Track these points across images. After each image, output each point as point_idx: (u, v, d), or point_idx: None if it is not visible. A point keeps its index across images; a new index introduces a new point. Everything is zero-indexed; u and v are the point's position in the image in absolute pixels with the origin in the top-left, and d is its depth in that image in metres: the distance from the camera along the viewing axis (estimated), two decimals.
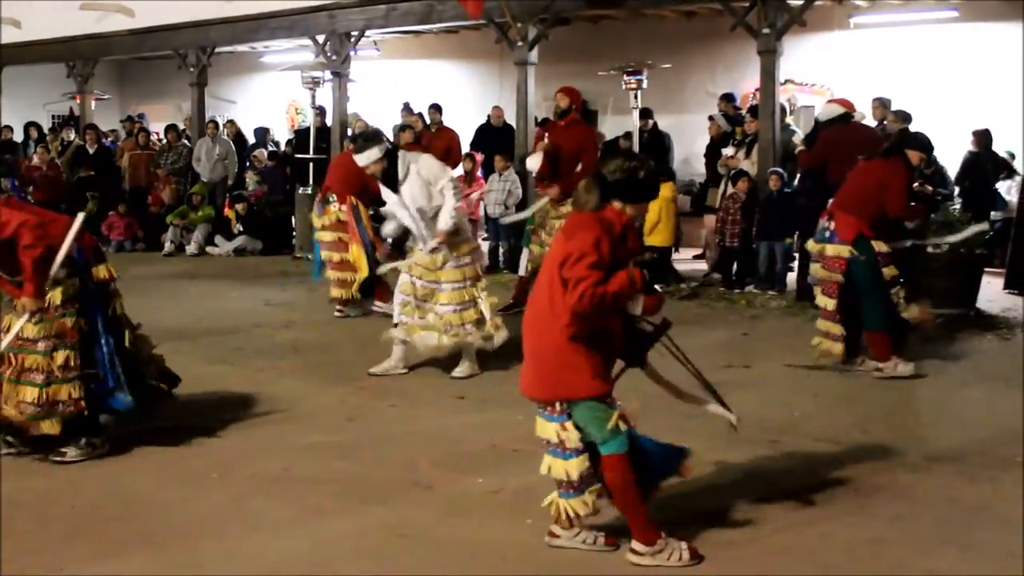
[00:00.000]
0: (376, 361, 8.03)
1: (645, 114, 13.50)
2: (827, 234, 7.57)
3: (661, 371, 4.62)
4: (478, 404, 6.99)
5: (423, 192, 7.56)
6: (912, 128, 10.68)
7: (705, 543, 4.46)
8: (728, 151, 12.47)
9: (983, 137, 11.90)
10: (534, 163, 10.06)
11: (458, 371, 7.77)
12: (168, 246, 15.47)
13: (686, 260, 12.99)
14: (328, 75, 15.07)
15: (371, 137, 7.76)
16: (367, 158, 7.53)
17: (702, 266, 12.61)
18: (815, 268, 7.78)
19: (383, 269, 8.33)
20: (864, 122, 10.24)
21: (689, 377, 4.65)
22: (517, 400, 6.98)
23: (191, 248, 15.30)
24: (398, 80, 17.77)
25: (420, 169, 7.58)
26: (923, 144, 7.93)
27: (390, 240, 8.98)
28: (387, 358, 7.86)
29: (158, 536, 4.71)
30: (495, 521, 4.89)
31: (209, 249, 15.33)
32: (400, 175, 7.56)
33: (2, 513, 4.88)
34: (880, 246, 7.39)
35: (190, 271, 13.62)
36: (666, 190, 10.84)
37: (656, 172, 4.48)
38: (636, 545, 4.36)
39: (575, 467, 4.37)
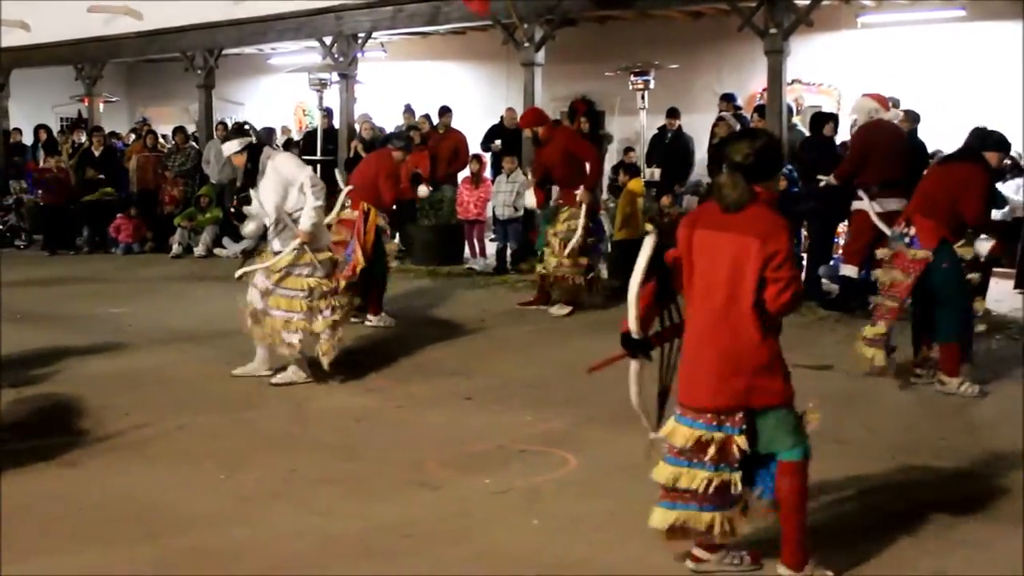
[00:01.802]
0: (385, 364, 8.05)
1: (671, 114, 13.51)
2: (906, 240, 7.16)
3: None
4: (485, 405, 6.99)
5: (279, 190, 7.47)
6: (920, 128, 10.66)
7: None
8: None
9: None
10: (531, 200, 10.36)
11: (277, 378, 7.57)
12: (176, 248, 15.48)
13: None
14: (335, 77, 15.08)
15: (236, 130, 7.84)
16: (227, 149, 7.73)
17: None
18: (878, 273, 7.42)
19: (239, 272, 7.94)
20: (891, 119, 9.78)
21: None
22: (523, 401, 7.05)
23: (199, 250, 15.30)
24: (405, 81, 17.77)
25: (277, 166, 7.52)
26: (999, 143, 7.43)
27: (251, 241, 8.94)
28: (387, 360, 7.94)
29: (164, 537, 4.71)
30: (502, 522, 4.88)
31: (217, 251, 15.33)
32: (259, 172, 7.54)
33: (2, 515, 4.88)
34: (963, 252, 7.05)
35: (198, 273, 13.63)
36: (635, 184, 10.92)
37: (775, 139, 4.31)
38: (783, 569, 4.13)
39: (718, 479, 4.09)
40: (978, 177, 7.07)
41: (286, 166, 7.56)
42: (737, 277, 3.97)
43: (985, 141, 7.35)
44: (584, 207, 9.86)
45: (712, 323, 4.04)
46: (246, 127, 8.07)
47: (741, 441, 4.03)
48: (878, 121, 9.28)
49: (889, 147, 9.08)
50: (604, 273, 11.02)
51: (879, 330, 7.24)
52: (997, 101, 11.82)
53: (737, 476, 4.09)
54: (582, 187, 9.88)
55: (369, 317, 9.60)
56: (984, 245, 7.13)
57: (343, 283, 7.92)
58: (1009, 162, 11.41)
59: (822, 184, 9.69)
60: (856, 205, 9.17)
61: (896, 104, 11.43)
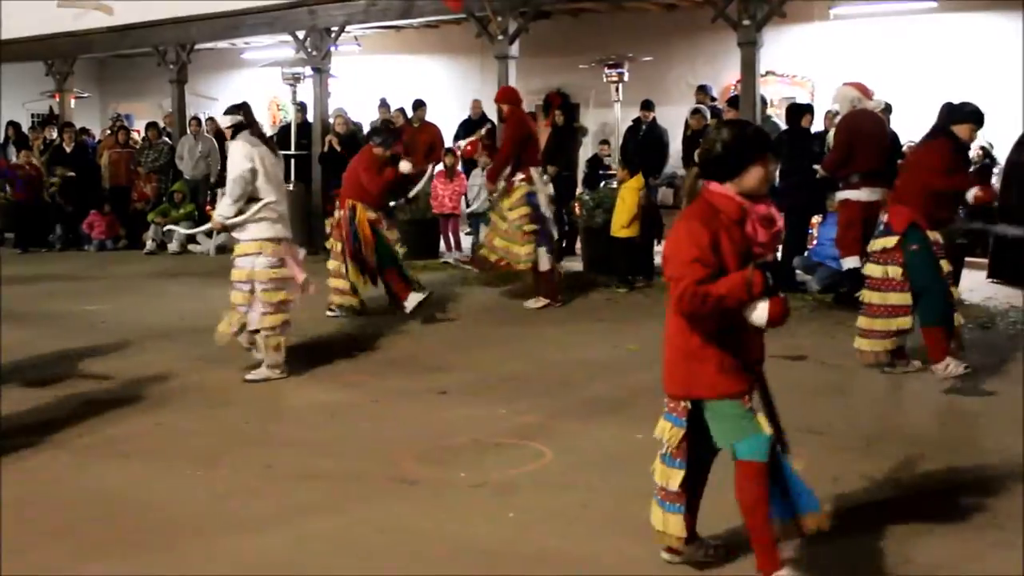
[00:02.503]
0: (360, 358, 8.04)
1: (646, 106, 13.51)
2: (881, 227, 7.23)
3: None
4: (460, 399, 6.98)
5: (230, 174, 7.58)
6: (892, 119, 10.70)
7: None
8: None
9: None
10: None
11: (251, 374, 7.57)
12: (150, 244, 15.39)
13: None
14: (309, 71, 15.01)
15: (235, 106, 7.81)
16: (222, 122, 7.96)
17: None
18: (869, 267, 7.31)
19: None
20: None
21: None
22: (498, 394, 7.05)
23: (173, 246, 15.22)
24: (379, 75, 17.72)
25: (231, 152, 7.62)
26: (971, 113, 7.23)
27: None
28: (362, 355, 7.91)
29: (139, 535, 4.69)
30: (478, 516, 4.88)
31: (191, 247, 15.26)
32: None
33: None
34: (935, 236, 6.98)
35: (172, 270, 13.56)
36: (634, 182, 10.89)
37: (753, 136, 3.82)
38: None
39: (676, 478, 3.99)
40: (940, 149, 7.08)
41: (233, 155, 7.55)
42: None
43: (954, 114, 7.27)
44: (518, 193, 9.92)
45: (667, 312, 3.97)
46: (244, 104, 7.93)
47: (668, 428, 3.97)
48: (861, 110, 9.29)
49: (872, 136, 9.07)
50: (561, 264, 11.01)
51: (874, 325, 7.16)
52: (970, 92, 11.84)
53: (676, 473, 3.99)
54: (518, 172, 9.93)
55: (405, 304, 9.51)
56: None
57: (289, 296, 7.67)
58: (981, 151, 11.47)
59: (819, 176, 9.72)
60: (843, 195, 9.17)
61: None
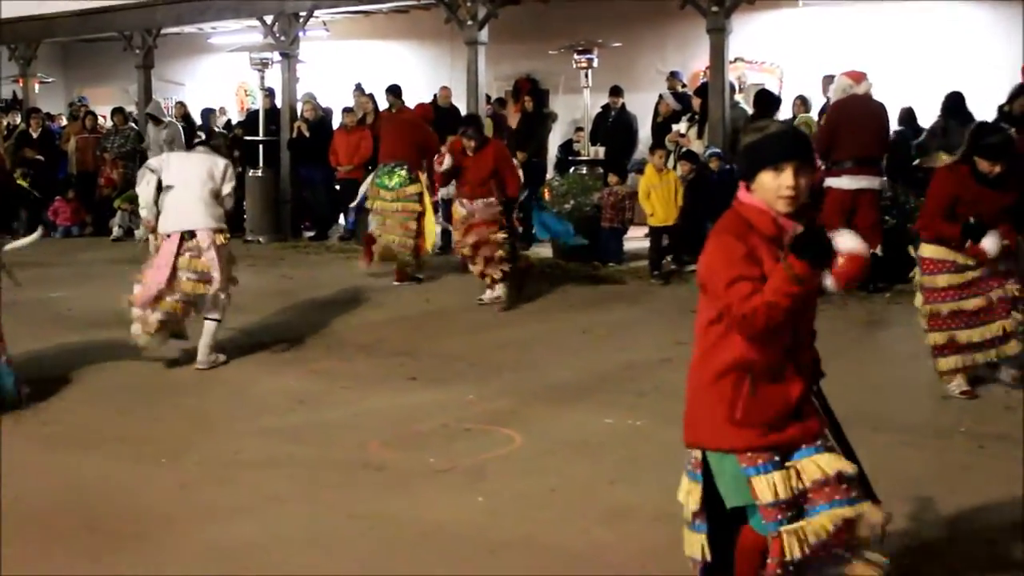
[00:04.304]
0: (329, 344, 8.03)
1: (615, 92, 13.51)
2: None
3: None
4: (429, 384, 6.98)
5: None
6: None
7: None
8: (681, 127, 12.51)
9: (906, 115, 11.86)
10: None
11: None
12: (116, 231, 15.26)
13: (637, 238, 13.02)
14: (277, 56, 14.91)
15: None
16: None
17: None
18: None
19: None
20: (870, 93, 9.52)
21: None
22: (467, 380, 7.06)
23: (140, 233, 15.05)
24: (348, 61, 17.62)
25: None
26: (984, 148, 6.13)
27: None
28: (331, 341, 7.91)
29: (106, 525, 4.65)
30: (447, 500, 4.89)
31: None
32: None
33: None
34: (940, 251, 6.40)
35: (138, 256, 13.37)
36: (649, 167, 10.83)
37: (772, 136, 3.16)
38: None
39: (696, 544, 3.31)
40: (936, 185, 6.43)
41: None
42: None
43: (973, 146, 6.22)
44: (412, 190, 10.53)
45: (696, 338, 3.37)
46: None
47: (694, 488, 3.30)
48: (851, 96, 9.32)
49: (860, 122, 9.05)
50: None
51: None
52: (939, 78, 11.95)
53: (697, 538, 3.32)
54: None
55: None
56: (991, 243, 6.16)
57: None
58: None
59: None
60: (825, 183, 9.21)
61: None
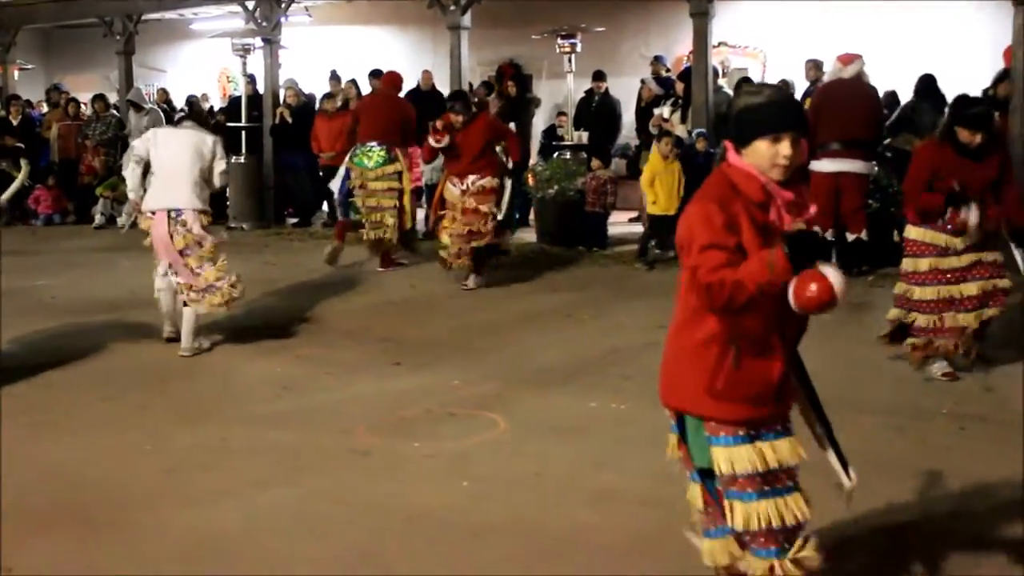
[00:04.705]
0: (313, 331, 8.02)
1: (598, 77, 13.50)
2: None
3: None
4: (414, 370, 6.98)
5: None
6: None
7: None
8: (664, 112, 12.52)
9: (890, 98, 11.84)
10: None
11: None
12: (99, 219, 15.18)
13: (622, 223, 13.06)
14: (259, 42, 14.84)
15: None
16: None
17: (638, 228, 12.67)
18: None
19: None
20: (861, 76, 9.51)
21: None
22: (452, 365, 7.07)
23: (122, 220, 15.01)
24: (330, 47, 17.56)
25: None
26: (962, 118, 6.24)
27: None
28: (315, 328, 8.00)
29: (91, 513, 4.64)
30: (432, 485, 4.90)
31: (142, 226, 15.03)
32: None
33: None
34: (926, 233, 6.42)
35: (122, 244, 13.34)
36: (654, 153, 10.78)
37: (768, 102, 3.11)
38: None
39: (694, 493, 3.34)
40: (919, 157, 6.49)
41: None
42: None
43: (954, 116, 6.34)
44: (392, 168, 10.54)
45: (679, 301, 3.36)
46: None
47: (671, 440, 3.35)
48: (835, 80, 9.33)
49: (844, 104, 9.05)
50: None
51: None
52: (923, 61, 11.98)
53: (692, 488, 3.34)
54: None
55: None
56: (972, 214, 6.20)
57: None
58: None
59: None
60: (810, 166, 9.22)
61: (820, 66, 11.52)
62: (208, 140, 7.64)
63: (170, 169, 7.49)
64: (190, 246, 7.48)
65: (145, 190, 7.67)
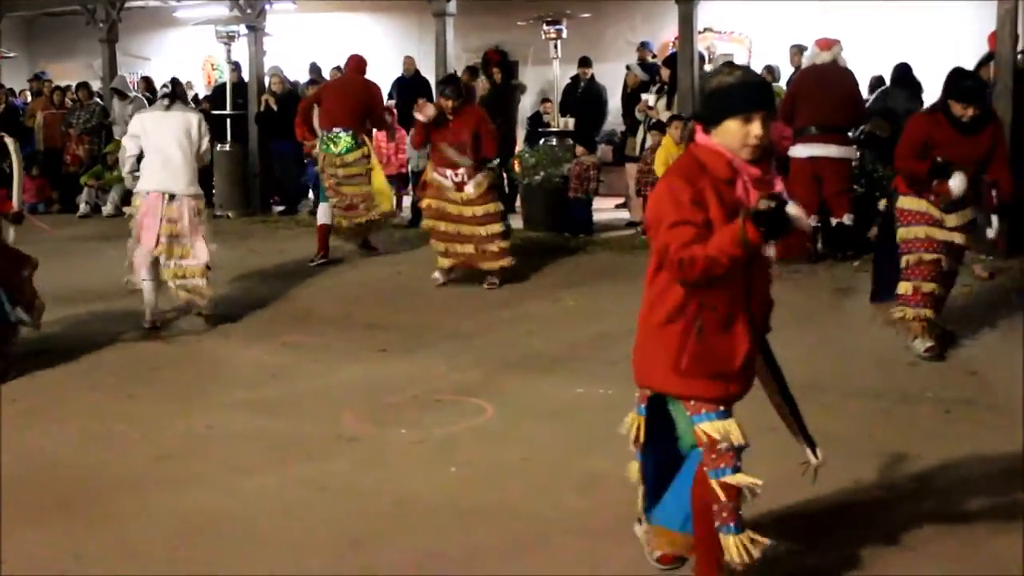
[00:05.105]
0: (300, 318, 8.02)
1: (584, 63, 13.47)
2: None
3: None
4: (400, 356, 6.99)
5: None
6: None
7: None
8: (650, 99, 12.50)
9: (876, 83, 11.86)
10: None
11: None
12: (83, 207, 15.09)
13: (608, 209, 13.06)
14: (243, 29, 14.75)
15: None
16: None
17: (625, 215, 12.68)
18: None
19: None
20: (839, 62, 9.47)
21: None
22: (438, 352, 7.07)
23: (107, 209, 14.94)
24: (315, 33, 17.48)
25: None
26: (956, 91, 6.32)
27: None
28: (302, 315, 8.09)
29: (79, 501, 4.64)
30: (419, 471, 4.92)
31: (126, 210, 14.91)
32: None
33: None
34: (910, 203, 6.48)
35: (107, 233, 13.30)
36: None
37: (740, 84, 3.19)
38: None
39: (633, 470, 3.58)
40: (910, 127, 6.54)
41: None
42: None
43: (948, 89, 6.40)
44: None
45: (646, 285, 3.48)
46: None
47: (637, 421, 3.49)
48: (813, 65, 9.36)
49: (822, 89, 9.05)
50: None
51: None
52: (908, 47, 12.00)
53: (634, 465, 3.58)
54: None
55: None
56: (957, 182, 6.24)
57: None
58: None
59: None
60: (789, 152, 9.23)
61: (804, 51, 11.51)
62: (194, 120, 7.85)
63: (165, 154, 7.64)
64: (180, 235, 7.66)
65: (138, 174, 7.80)
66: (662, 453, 3.52)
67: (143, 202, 7.70)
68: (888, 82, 11.16)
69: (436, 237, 9.31)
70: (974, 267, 8.42)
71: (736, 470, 3.31)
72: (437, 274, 9.34)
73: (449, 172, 9.13)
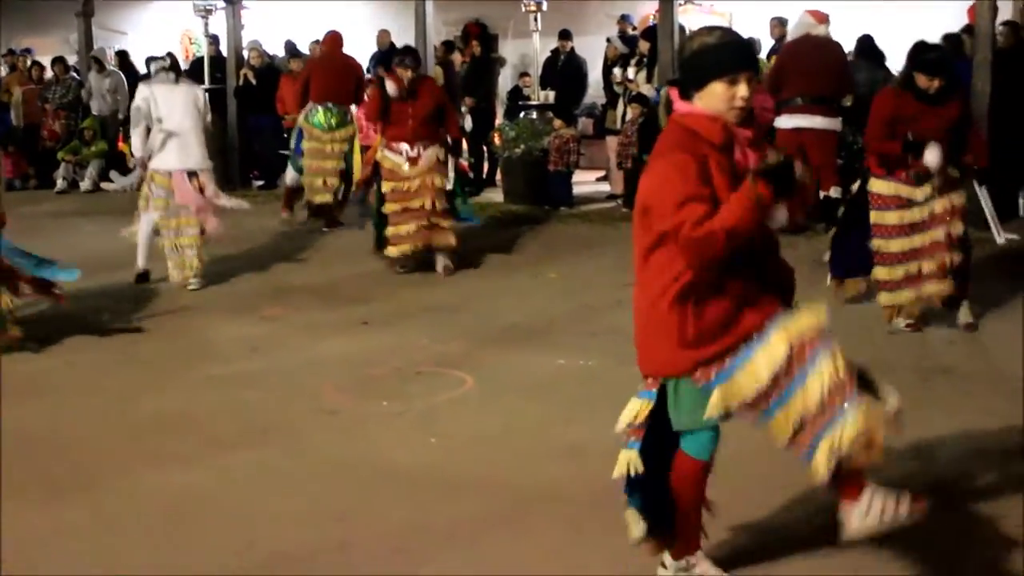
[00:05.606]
0: (280, 292, 8.01)
1: (564, 36, 13.41)
2: None
3: None
4: (382, 329, 6.99)
5: None
6: None
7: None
8: (629, 72, 12.46)
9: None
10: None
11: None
12: (60, 183, 14.98)
13: (589, 182, 13.05)
14: (221, 3, 14.63)
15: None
16: None
17: (605, 187, 12.67)
18: None
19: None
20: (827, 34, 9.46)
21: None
22: (419, 324, 7.07)
23: (85, 184, 14.84)
24: (293, 6, 17.35)
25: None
26: (921, 63, 6.26)
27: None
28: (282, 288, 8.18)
29: (57, 475, 4.62)
30: (400, 443, 4.92)
31: (104, 185, 14.89)
32: None
33: None
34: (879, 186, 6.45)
35: (84, 208, 13.25)
36: None
37: (722, 45, 3.07)
38: (667, 559, 3.48)
39: (625, 460, 3.32)
40: (878, 103, 6.46)
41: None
42: (636, 227, 3.24)
43: (912, 62, 6.33)
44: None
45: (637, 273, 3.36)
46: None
47: (645, 406, 3.29)
48: (805, 36, 9.34)
49: (812, 61, 9.06)
50: None
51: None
52: (888, 20, 12.00)
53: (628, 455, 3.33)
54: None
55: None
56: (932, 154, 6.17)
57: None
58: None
59: None
60: (775, 123, 9.22)
61: (785, 24, 11.52)
62: (200, 93, 8.13)
63: (183, 130, 7.85)
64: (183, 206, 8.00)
65: (151, 149, 7.92)
66: (647, 444, 3.31)
67: (169, 181, 7.94)
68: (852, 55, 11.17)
69: (397, 220, 8.57)
70: None
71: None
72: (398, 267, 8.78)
73: (405, 146, 8.54)
